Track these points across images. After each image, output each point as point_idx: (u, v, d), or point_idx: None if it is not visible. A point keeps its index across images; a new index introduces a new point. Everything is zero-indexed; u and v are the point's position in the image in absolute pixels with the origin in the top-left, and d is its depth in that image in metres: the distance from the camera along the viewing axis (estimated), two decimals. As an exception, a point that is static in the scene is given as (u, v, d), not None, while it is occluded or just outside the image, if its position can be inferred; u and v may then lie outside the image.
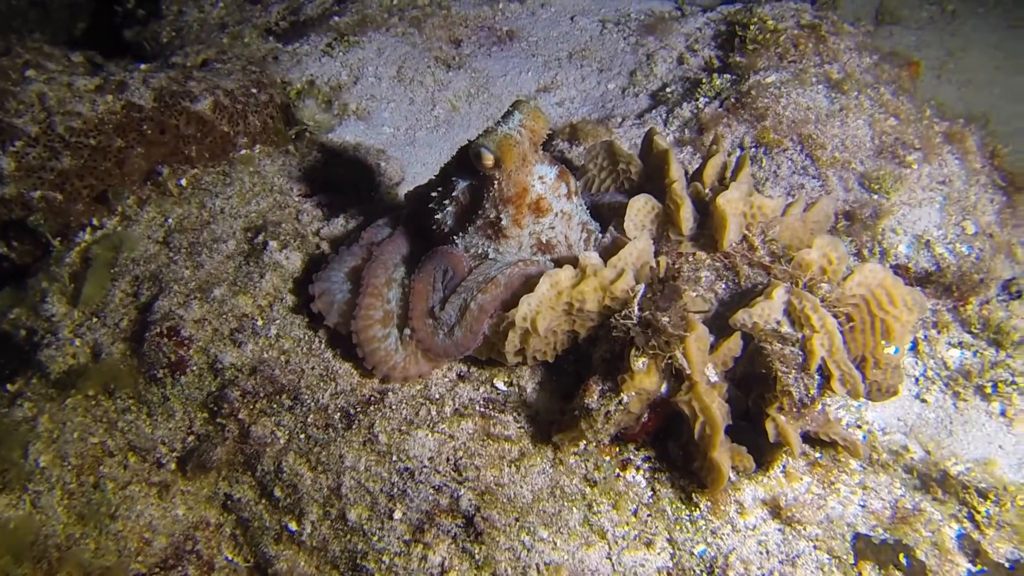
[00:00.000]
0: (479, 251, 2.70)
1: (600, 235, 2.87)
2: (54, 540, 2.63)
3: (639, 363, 2.44)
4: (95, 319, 3.01)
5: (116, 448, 2.80)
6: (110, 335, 2.96)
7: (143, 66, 3.64)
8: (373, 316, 2.65)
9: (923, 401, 3.17)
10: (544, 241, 2.70)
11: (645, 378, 2.45)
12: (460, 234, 2.71)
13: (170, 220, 3.24)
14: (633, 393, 2.45)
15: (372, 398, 2.71)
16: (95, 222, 3.28)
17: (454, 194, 2.68)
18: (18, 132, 3.15)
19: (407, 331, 2.66)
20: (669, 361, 2.46)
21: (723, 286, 2.73)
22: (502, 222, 2.63)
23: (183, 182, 3.37)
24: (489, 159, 2.52)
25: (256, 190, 3.37)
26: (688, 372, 2.44)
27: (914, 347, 3.29)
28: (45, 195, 3.21)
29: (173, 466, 2.81)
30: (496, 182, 2.59)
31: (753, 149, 3.61)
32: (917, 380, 3.25)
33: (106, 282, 3.07)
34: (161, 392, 2.84)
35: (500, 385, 2.75)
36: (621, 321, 2.51)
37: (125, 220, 3.28)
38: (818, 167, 3.48)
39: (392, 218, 2.97)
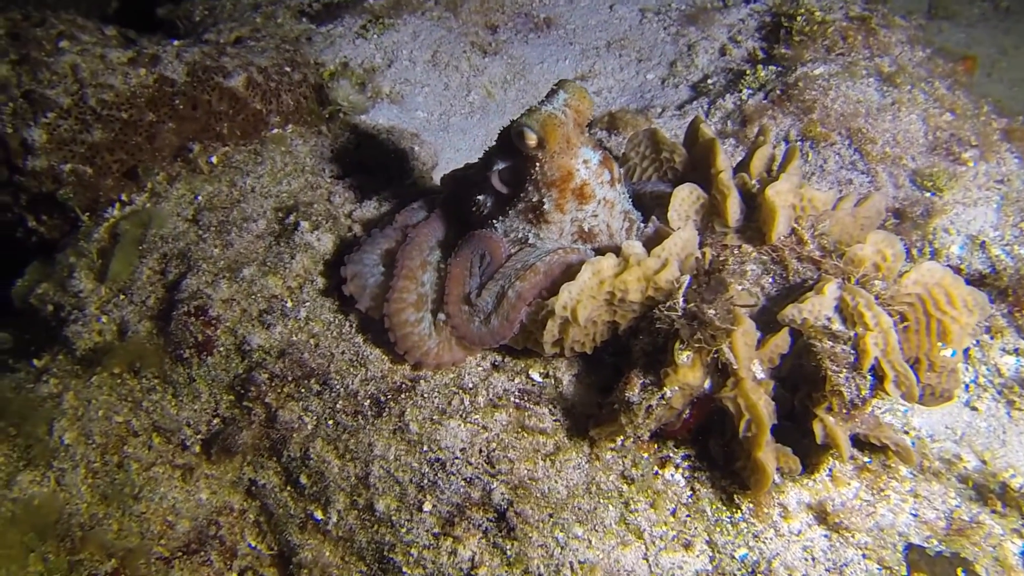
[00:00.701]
0: (519, 235, 2.61)
1: (642, 225, 2.77)
2: (77, 519, 2.57)
3: (683, 357, 2.34)
4: (122, 296, 2.95)
5: (141, 428, 2.74)
6: (137, 313, 2.90)
7: (176, 42, 3.57)
8: (407, 299, 2.57)
9: (974, 409, 3.04)
10: (586, 229, 2.61)
11: (689, 372, 2.35)
12: (500, 218, 2.62)
13: (200, 198, 3.18)
14: (676, 388, 2.35)
15: (403, 385, 2.62)
16: (124, 197, 3.22)
17: (494, 176, 2.59)
18: (50, 103, 3.10)
19: (441, 316, 2.58)
20: (715, 355, 2.35)
21: (770, 280, 2.63)
22: (544, 206, 2.54)
23: (214, 159, 3.30)
24: (532, 139, 2.42)
25: (288, 170, 3.30)
26: (735, 367, 2.34)
27: (965, 352, 3.16)
28: (75, 168, 3.15)
29: (198, 449, 2.74)
30: (539, 164, 2.49)
31: (799, 142, 3.50)
32: (968, 387, 3.12)
33: (134, 259, 3.01)
34: (187, 372, 2.77)
35: (536, 376, 2.66)
36: (665, 313, 2.41)
37: (154, 196, 3.22)
38: (867, 162, 3.35)
39: (427, 201, 2.89)
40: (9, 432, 2.69)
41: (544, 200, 2.53)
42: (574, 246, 2.63)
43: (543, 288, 2.52)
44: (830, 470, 2.49)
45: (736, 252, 2.69)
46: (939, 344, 2.51)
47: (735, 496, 2.45)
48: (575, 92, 2.49)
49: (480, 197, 2.64)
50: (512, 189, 2.58)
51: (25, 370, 2.90)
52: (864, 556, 2.32)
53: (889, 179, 3.33)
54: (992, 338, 3.18)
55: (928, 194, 3.29)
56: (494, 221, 2.63)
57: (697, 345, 2.34)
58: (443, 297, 2.55)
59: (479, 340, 2.55)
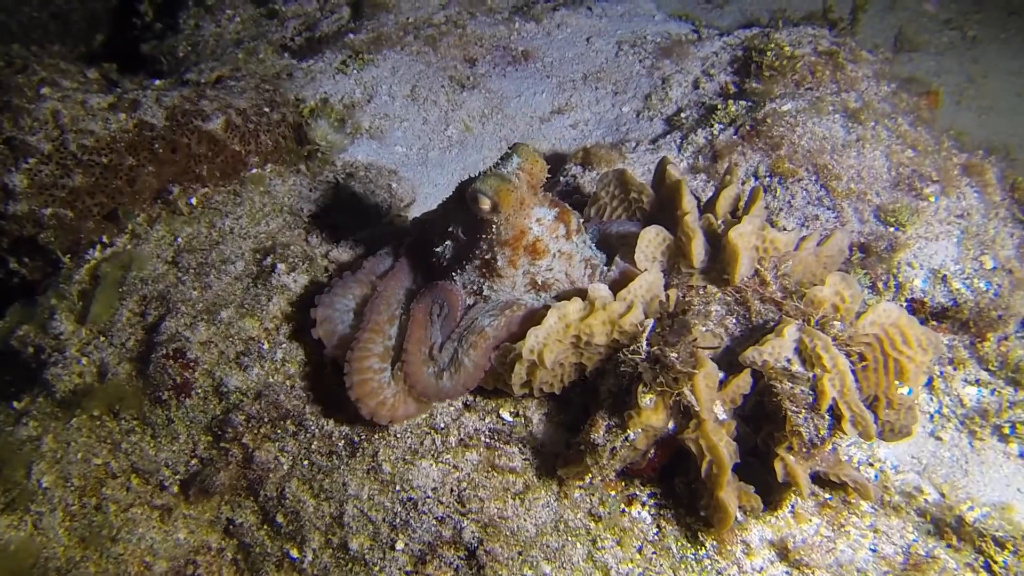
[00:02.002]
0: (474, 288, 2.69)
1: (605, 268, 2.83)
2: (55, 563, 2.61)
3: (646, 400, 2.41)
4: (102, 338, 3.00)
5: (119, 470, 2.79)
6: (116, 355, 2.95)
7: (157, 83, 3.64)
8: (372, 350, 2.61)
9: (938, 439, 3.11)
10: (539, 282, 2.69)
11: (652, 415, 2.42)
12: (458, 270, 2.69)
13: (179, 239, 3.24)
14: (640, 430, 2.42)
15: (377, 426, 2.68)
16: (105, 240, 3.28)
17: (451, 231, 2.67)
18: (31, 149, 3.16)
19: (398, 366, 2.63)
20: (677, 398, 2.42)
21: (734, 321, 2.70)
22: (497, 262, 2.62)
23: (193, 201, 3.37)
24: (486, 203, 2.50)
25: (266, 210, 3.36)
26: (696, 410, 2.40)
27: (929, 383, 3.24)
28: (56, 212, 3.21)
29: (176, 489, 2.79)
30: (493, 225, 2.57)
31: (768, 178, 3.57)
32: (932, 417, 3.19)
33: (114, 301, 3.06)
34: (166, 414, 2.83)
35: (506, 416, 2.72)
36: (629, 356, 2.48)
37: (135, 238, 3.28)
38: (833, 198, 3.43)
39: (394, 247, 2.95)
40: (-11, 476, 2.74)
41: (497, 257, 2.61)
42: (525, 300, 2.68)
43: (497, 345, 2.58)
44: (792, 507, 2.56)
45: (701, 293, 2.77)
46: (896, 382, 2.58)
47: (699, 533, 2.51)
48: (527, 156, 2.57)
49: (438, 249, 2.71)
50: (468, 243, 2.66)
51: (5, 412, 2.95)
52: (823, 593, 2.39)
53: (854, 214, 3.41)
54: (955, 369, 3.25)
55: (892, 229, 3.37)
56: (454, 273, 2.70)
57: (660, 388, 2.41)
58: (402, 349, 2.61)
59: (433, 395, 2.58)
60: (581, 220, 2.79)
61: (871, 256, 3.33)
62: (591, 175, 3.79)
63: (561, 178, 3.86)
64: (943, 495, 2.74)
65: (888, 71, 4.03)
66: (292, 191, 3.48)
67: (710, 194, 3.20)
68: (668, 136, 4.08)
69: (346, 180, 3.62)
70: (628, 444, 2.43)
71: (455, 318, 2.62)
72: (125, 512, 2.74)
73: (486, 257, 2.62)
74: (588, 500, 2.59)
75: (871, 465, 2.94)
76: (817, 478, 2.56)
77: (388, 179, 3.72)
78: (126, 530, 2.71)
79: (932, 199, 3.40)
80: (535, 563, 2.48)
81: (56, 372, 2.95)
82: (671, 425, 2.48)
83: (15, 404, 2.96)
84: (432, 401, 2.62)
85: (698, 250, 2.76)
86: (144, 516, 2.75)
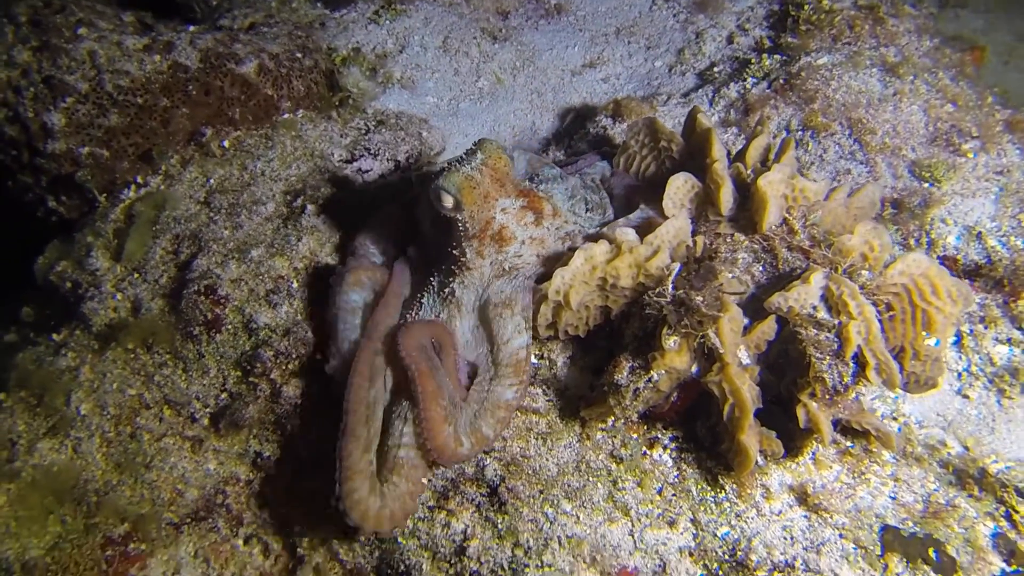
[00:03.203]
0: (448, 289, 2.67)
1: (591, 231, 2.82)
2: (93, 485, 2.71)
3: (671, 342, 2.42)
4: (136, 275, 3.07)
5: (152, 401, 2.87)
6: (150, 291, 3.02)
7: (191, 28, 3.67)
8: (357, 465, 2.36)
9: (965, 397, 3.08)
10: (507, 268, 2.66)
11: (676, 357, 2.43)
12: (435, 274, 2.71)
13: (212, 181, 3.28)
14: (663, 371, 2.43)
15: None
16: (139, 180, 3.34)
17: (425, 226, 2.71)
18: (69, 89, 3.21)
19: (403, 453, 2.42)
20: (701, 341, 2.43)
21: (760, 269, 2.68)
22: (467, 255, 2.61)
23: (226, 144, 3.41)
24: (449, 200, 2.49)
25: (297, 154, 3.39)
26: (720, 352, 2.41)
27: (958, 341, 3.20)
28: (93, 151, 3.27)
29: (206, 422, 2.87)
30: (459, 223, 2.56)
31: (800, 132, 3.52)
32: (960, 375, 3.15)
33: (148, 239, 3.13)
34: (197, 349, 2.89)
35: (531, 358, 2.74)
36: (655, 299, 2.49)
37: (168, 179, 3.34)
38: (867, 152, 3.38)
39: (383, 242, 2.91)
40: (30, 402, 2.83)
41: (466, 250, 2.60)
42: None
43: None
44: (813, 454, 2.56)
45: (728, 240, 2.75)
46: (923, 333, 2.56)
47: (720, 477, 2.53)
48: (490, 152, 2.56)
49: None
50: (437, 238, 2.66)
51: (45, 344, 3.04)
52: (841, 536, 2.39)
53: (888, 169, 3.36)
54: (986, 328, 3.21)
55: (926, 184, 3.32)
56: (432, 279, 2.71)
57: (684, 330, 2.42)
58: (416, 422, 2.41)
59: (452, 461, 2.47)
60: (571, 203, 2.80)
61: (903, 212, 3.28)
62: (621, 126, 3.77)
63: (591, 129, 3.84)
64: (967, 448, 2.72)
65: (932, 27, 3.93)
66: (323, 136, 3.51)
67: (740, 146, 3.17)
68: (700, 90, 4.03)
69: (377, 127, 3.64)
70: (651, 385, 2.45)
71: (453, 365, 2.55)
72: (158, 441, 2.82)
73: (455, 253, 2.61)
74: (610, 442, 2.61)
75: (895, 419, 2.92)
76: (840, 426, 2.56)
77: (419, 127, 3.72)
78: (159, 458, 2.80)
79: (971, 155, 3.33)
80: (556, 501, 2.52)
81: (92, 306, 3.03)
82: (695, 368, 2.49)
83: (54, 336, 3.04)
84: (446, 467, 2.51)
85: (726, 198, 2.74)
86: (176, 446, 2.83)
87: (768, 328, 2.50)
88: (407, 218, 2.94)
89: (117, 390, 2.87)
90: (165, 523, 2.72)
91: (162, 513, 2.72)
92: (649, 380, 2.44)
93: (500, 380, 2.55)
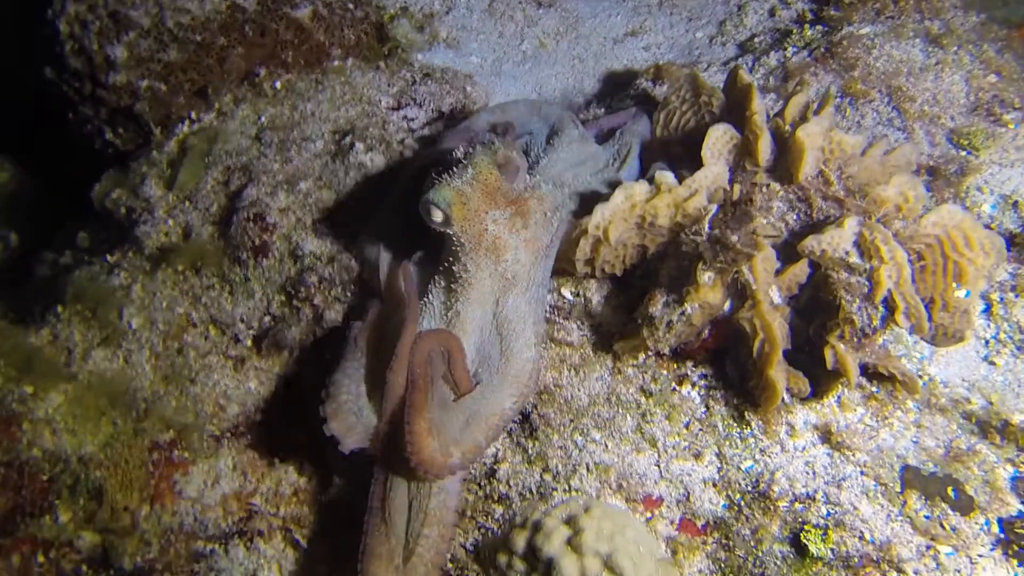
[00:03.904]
0: (449, 307, 2.64)
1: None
2: (142, 393, 2.83)
3: (705, 276, 2.49)
4: (188, 203, 3.19)
5: (199, 320, 2.99)
6: (201, 218, 3.14)
7: (249, -26, 3.78)
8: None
9: (992, 363, 3.10)
10: (510, 277, 2.62)
11: (710, 292, 2.50)
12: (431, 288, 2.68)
13: (263, 118, 3.40)
14: (697, 305, 2.50)
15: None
16: (194, 115, 3.46)
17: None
18: (133, 23, 3.35)
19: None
20: (735, 277, 2.50)
21: (795, 217, 2.74)
22: (467, 271, 2.58)
23: (278, 85, 3.52)
24: (439, 215, 2.49)
25: (346, 98, 3.50)
26: (753, 288, 2.47)
27: (988, 309, 3.22)
28: (151, 85, 3.40)
29: (249, 343, 2.98)
30: (452, 237, 2.55)
31: (839, 98, 3.57)
32: (987, 343, 3.18)
33: (200, 170, 3.25)
34: (243, 273, 3.00)
35: (567, 294, 2.82)
36: (691, 236, 2.56)
37: (221, 116, 3.45)
38: (905, 119, 3.42)
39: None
40: (86, 315, 2.96)
41: (467, 265, 2.57)
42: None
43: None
44: (838, 397, 2.62)
45: (764, 190, 2.81)
46: (954, 285, 2.61)
47: (746, 414, 2.59)
48: (481, 168, 2.53)
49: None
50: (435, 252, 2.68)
51: (99, 264, 3.17)
52: (862, 473, 2.45)
53: (926, 137, 3.40)
54: (1017, 296, 3.23)
55: (964, 152, 3.35)
56: (430, 296, 2.67)
57: (719, 266, 2.49)
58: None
59: (440, 473, 2.35)
60: (576, 170, 2.88)
61: (939, 179, 3.31)
62: (661, 89, 3.83)
63: (631, 92, 3.91)
64: (991, 403, 2.76)
65: (979, 2, 3.95)
66: (371, 84, 3.61)
67: (778, 109, 3.23)
68: (740, 59, 4.09)
69: (423, 79, 3.73)
70: (684, 319, 2.52)
71: (463, 369, 2.52)
72: (203, 358, 2.93)
73: (452, 269, 2.59)
74: (640, 377, 2.69)
75: (920, 378, 2.96)
76: (866, 371, 2.61)
77: (464, 82, 3.81)
78: (203, 374, 2.91)
79: (1012, 125, 3.36)
80: (586, 430, 2.60)
81: (145, 230, 3.15)
82: (727, 306, 2.56)
83: (108, 257, 3.17)
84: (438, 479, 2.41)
85: (764, 148, 2.80)
86: (219, 364, 2.95)
87: (800, 270, 2.56)
88: (406, 219, 2.87)
89: (167, 308, 2.99)
90: (207, 435, 2.83)
91: (204, 424, 2.83)
92: (682, 313, 2.51)
93: (501, 389, 2.53)
